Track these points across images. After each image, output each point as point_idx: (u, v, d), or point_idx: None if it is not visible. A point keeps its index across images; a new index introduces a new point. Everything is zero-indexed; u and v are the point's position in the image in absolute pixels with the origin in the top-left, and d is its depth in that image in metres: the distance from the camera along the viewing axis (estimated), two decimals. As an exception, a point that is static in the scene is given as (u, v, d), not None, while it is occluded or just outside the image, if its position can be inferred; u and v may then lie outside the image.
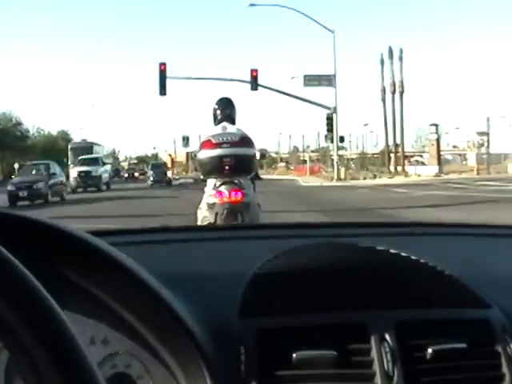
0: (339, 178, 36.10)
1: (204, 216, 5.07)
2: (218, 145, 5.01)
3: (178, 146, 75.46)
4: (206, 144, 5.09)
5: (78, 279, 0.76)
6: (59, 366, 0.49)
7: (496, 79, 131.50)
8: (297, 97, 35.46)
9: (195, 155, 5.38)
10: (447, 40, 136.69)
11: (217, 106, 5.50)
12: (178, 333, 0.79)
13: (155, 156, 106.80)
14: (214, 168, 5.02)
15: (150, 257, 1.06)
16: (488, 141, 40.34)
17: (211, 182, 5.11)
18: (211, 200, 4.97)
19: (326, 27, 35.62)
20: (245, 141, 5.12)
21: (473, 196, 18.28)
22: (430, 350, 0.87)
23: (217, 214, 4.88)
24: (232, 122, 5.38)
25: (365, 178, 38.04)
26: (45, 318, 0.51)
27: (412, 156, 68.61)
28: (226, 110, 5.46)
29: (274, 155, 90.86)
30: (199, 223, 5.10)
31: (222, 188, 4.93)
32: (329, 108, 35.75)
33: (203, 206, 5.13)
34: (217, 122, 5.38)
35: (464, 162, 72.48)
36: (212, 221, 4.89)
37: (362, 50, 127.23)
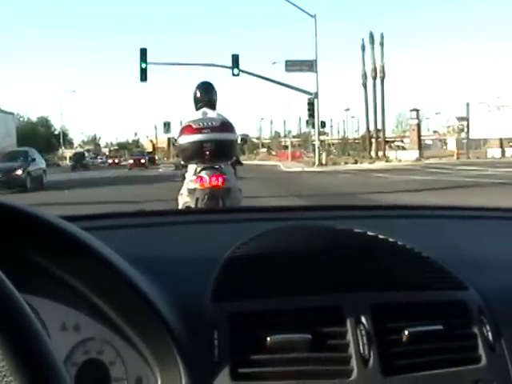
0: (320, 164, 36.13)
1: (185, 202, 5.06)
2: (199, 130, 4.98)
3: (160, 132, 75.57)
4: (187, 129, 5.06)
5: (48, 264, 0.75)
6: (20, 355, 0.48)
7: (476, 64, 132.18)
8: (278, 82, 35.42)
9: (176, 141, 5.36)
10: (428, 25, 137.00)
11: (197, 91, 5.48)
12: (150, 318, 0.78)
13: (136, 142, 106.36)
14: (195, 153, 5.00)
15: (124, 241, 1.04)
16: (468, 126, 40.60)
17: (192, 167, 5.10)
18: (192, 185, 4.97)
19: (306, 12, 35.48)
20: (225, 126, 5.10)
21: (453, 181, 18.38)
22: (406, 332, 0.87)
23: (197, 199, 4.87)
24: (213, 106, 5.36)
25: (346, 163, 38.13)
26: (4, 305, 0.50)
27: (393, 141, 68.94)
28: (206, 94, 5.43)
29: (255, 141, 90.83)
30: (180, 203, 5.14)
31: (203, 173, 4.92)
32: (310, 93, 35.73)
33: (184, 191, 5.13)
34: (197, 107, 5.37)
35: (444, 147, 72.96)
36: (193, 206, 4.86)
37: (342, 35, 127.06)
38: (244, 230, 1.09)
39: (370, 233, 1.01)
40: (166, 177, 21.61)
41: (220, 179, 4.89)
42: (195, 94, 5.48)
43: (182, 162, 5.36)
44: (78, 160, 52.60)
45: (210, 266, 0.93)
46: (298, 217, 1.38)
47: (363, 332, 0.86)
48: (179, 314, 0.82)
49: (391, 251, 0.99)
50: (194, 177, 4.97)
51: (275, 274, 0.92)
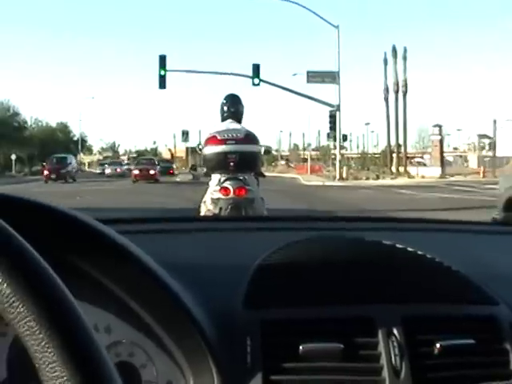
0: (341, 178, 35.31)
1: (208, 209, 5.12)
2: (224, 141, 5.11)
3: (178, 141, 75.09)
4: (212, 140, 5.19)
5: (84, 265, 0.76)
6: (70, 353, 0.49)
7: (499, 82, 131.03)
8: (299, 93, 34.71)
9: (200, 150, 5.47)
10: (452, 40, 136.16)
11: (224, 102, 5.56)
12: (183, 322, 0.79)
13: (154, 150, 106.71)
14: (219, 164, 5.11)
15: (156, 246, 1.01)
16: (494, 143, 39.74)
17: (216, 177, 5.16)
18: (216, 195, 5.05)
19: (329, 22, 34.76)
20: (250, 138, 5.23)
21: (483, 200, 17.55)
22: (437, 345, 0.87)
23: (221, 208, 4.97)
24: (238, 118, 5.50)
25: (367, 178, 37.39)
26: (58, 304, 0.51)
27: (413, 157, 68.20)
28: (233, 106, 5.53)
29: (274, 153, 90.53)
30: (203, 211, 5.22)
31: (227, 184, 5.01)
32: (332, 105, 35.03)
33: (207, 200, 5.17)
34: (223, 117, 5.49)
35: (465, 164, 72.21)
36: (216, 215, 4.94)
37: (364, 48, 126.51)
38: (273, 238, 1.10)
39: (398, 245, 1.00)
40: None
41: (243, 190, 4.99)
42: (222, 105, 5.56)
43: (204, 171, 5.44)
44: (54, 167, 38.35)
45: (242, 273, 0.94)
46: (326, 227, 1.38)
47: (395, 343, 0.86)
48: (212, 320, 0.83)
49: (420, 264, 0.98)
50: (218, 187, 5.04)
51: (306, 283, 0.93)
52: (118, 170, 50.24)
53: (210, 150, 5.17)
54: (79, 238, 0.73)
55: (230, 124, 5.35)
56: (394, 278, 0.95)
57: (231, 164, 5.04)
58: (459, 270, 0.97)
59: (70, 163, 41.39)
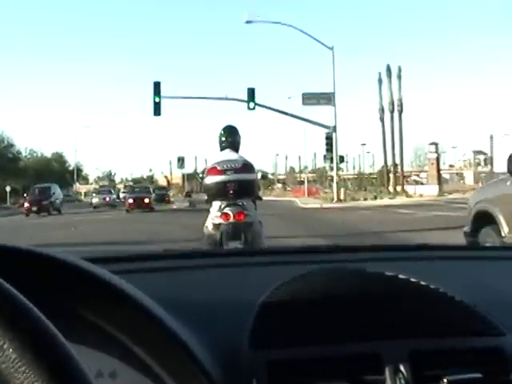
0: (339, 199, 35.05)
1: (210, 234, 5.61)
2: (223, 171, 5.63)
3: (174, 168, 74.84)
4: (212, 170, 5.73)
5: (83, 311, 0.74)
6: None
7: (494, 97, 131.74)
8: (295, 116, 34.57)
9: (202, 179, 6.14)
10: (445, 59, 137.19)
11: (222, 133, 6.03)
12: (189, 366, 0.77)
13: (151, 178, 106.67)
14: (220, 192, 5.62)
15: (153, 285, 0.97)
16: (490, 158, 39.66)
17: (216, 204, 5.66)
18: (217, 220, 5.55)
19: (324, 44, 34.77)
20: (247, 167, 5.76)
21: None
22: (445, 381, 0.86)
23: (222, 233, 5.46)
24: (236, 148, 5.98)
25: (365, 199, 37.18)
26: (49, 348, 0.51)
27: (409, 175, 68.19)
28: (230, 137, 6.00)
29: (270, 176, 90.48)
30: (206, 240, 5.67)
31: (227, 209, 5.51)
32: (328, 127, 34.89)
33: (209, 225, 5.66)
34: (222, 147, 5.99)
35: (461, 181, 72.21)
36: (218, 239, 5.47)
37: (358, 68, 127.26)
38: (274, 274, 1.09)
39: (401, 276, 0.98)
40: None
41: (242, 215, 5.49)
42: (220, 136, 6.03)
43: (206, 198, 5.93)
44: (36, 199, 34.48)
45: (245, 311, 0.93)
46: (327, 259, 1.38)
47: (402, 381, 0.86)
48: (218, 361, 0.82)
49: (424, 296, 0.96)
50: (219, 213, 5.53)
51: (311, 320, 0.92)
52: (107, 198, 43.04)
53: (211, 179, 5.70)
54: (77, 285, 0.72)
55: (229, 154, 5.84)
56: (398, 311, 0.93)
57: (230, 192, 5.55)
58: (463, 299, 0.95)
59: (54, 193, 36.49)
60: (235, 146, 5.96)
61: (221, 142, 6.00)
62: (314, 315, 0.92)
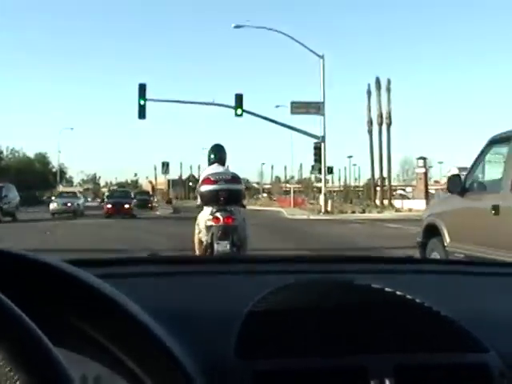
0: (326, 211, 34.28)
1: (201, 233, 6.77)
2: (215, 181, 6.72)
3: (159, 173, 73.56)
4: (207, 181, 6.82)
5: (68, 315, 0.73)
6: None
7: (480, 112, 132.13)
8: (283, 124, 33.78)
9: (196, 188, 7.40)
10: (435, 70, 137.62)
11: (211, 151, 7.40)
12: (175, 375, 0.76)
13: (135, 182, 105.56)
14: (212, 199, 6.71)
15: (138, 291, 0.95)
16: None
17: (208, 208, 6.75)
18: (209, 223, 6.66)
19: (314, 52, 34.05)
20: (235, 178, 6.91)
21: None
22: None
23: (213, 234, 6.60)
24: (223, 162, 7.26)
25: (353, 212, 36.44)
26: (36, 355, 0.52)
27: (395, 189, 67.74)
28: (218, 154, 7.33)
29: (256, 185, 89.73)
30: (196, 238, 6.86)
31: (218, 214, 6.63)
32: (316, 137, 34.15)
33: (201, 226, 6.76)
34: (210, 162, 7.27)
35: (447, 197, 71.76)
36: (208, 239, 6.63)
37: (346, 80, 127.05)
38: (261, 282, 1.08)
39: (387, 289, 0.99)
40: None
41: (230, 219, 6.63)
42: (209, 152, 7.40)
43: (198, 203, 7.06)
44: None
45: (231, 320, 0.93)
46: (314, 270, 1.37)
47: None
48: (203, 371, 0.81)
49: (409, 310, 0.97)
50: (211, 216, 6.64)
51: (297, 331, 0.92)
52: (69, 204, 34.48)
53: (205, 188, 6.79)
54: (59, 287, 0.70)
55: (218, 167, 7.07)
56: (384, 325, 0.93)
57: (221, 199, 6.63)
58: (448, 314, 0.96)
59: (6, 196, 28.71)
60: (222, 161, 7.24)
61: (209, 158, 7.31)
62: (300, 326, 0.91)
